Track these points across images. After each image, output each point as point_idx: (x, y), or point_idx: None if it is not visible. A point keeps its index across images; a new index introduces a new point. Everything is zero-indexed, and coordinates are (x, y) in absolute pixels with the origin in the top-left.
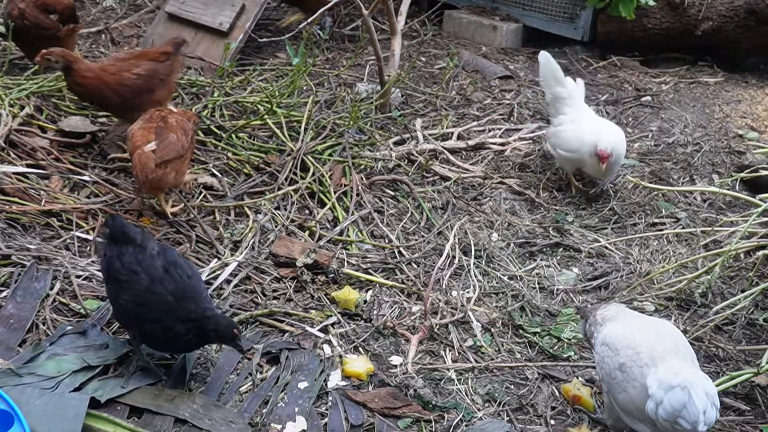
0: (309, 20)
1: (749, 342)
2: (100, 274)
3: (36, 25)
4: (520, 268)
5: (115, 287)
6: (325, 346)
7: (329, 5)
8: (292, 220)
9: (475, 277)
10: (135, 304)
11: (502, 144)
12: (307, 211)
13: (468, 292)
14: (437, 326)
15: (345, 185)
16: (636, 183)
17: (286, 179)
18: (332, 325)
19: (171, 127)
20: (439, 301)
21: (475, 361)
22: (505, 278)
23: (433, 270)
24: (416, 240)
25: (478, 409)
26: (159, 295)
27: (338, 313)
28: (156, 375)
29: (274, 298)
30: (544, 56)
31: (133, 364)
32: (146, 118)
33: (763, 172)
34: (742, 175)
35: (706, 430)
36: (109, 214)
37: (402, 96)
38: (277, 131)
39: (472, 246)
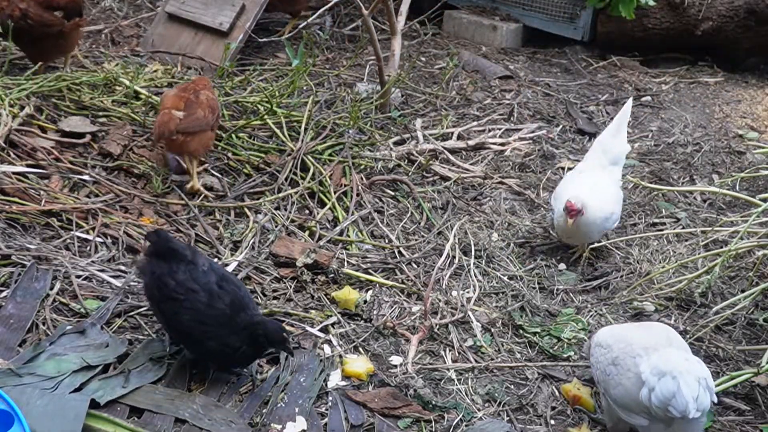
0: (306, 21)
1: (749, 342)
2: (100, 274)
3: (41, 23)
4: (520, 268)
5: (172, 307)
6: (325, 346)
7: (329, 5)
8: (292, 220)
9: (475, 277)
10: (196, 323)
11: (502, 144)
12: (307, 211)
13: (468, 292)
14: (437, 326)
15: (345, 185)
16: (636, 183)
17: (286, 179)
18: (332, 325)
19: (201, 104)
20: (439, 301)
21: (475, 361)
22: (505, 278)
23: (433, 270)
24: (416, 240)
25: (478, 409)
26: (217, 310)
27: (338, 313)
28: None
29: (274, 298)
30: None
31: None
32: (182, 88)
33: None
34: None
35: (700, 415)
36: (153, 230)
37: (402, 96)
38: (277, 131)
39: (472, 246)
